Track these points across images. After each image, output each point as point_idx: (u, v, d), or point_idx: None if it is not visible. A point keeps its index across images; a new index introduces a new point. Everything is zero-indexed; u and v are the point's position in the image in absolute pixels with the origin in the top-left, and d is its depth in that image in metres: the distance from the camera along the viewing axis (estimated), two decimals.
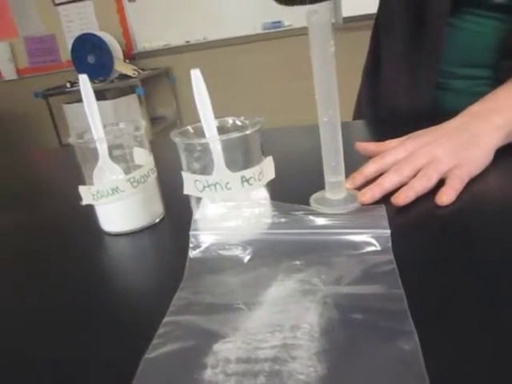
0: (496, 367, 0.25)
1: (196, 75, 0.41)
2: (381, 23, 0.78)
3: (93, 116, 0.48)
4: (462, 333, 0.27)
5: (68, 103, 2.92)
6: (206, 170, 0.40)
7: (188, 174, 0.39)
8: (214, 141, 0.39)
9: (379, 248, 0.36)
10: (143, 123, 0.47)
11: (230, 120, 0.43)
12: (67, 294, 0.39)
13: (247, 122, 0.42)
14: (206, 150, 0.39)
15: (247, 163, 0.40)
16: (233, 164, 0.39)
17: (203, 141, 0.39)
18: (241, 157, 0.40)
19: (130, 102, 2.84)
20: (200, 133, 0.40)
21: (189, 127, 0.42)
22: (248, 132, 0.38)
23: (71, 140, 0.46)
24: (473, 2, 0.63)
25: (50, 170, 0.87)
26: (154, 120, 3.09)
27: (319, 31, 0.39)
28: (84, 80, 0.48)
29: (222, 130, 0.41)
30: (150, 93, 3.10)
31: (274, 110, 2.83)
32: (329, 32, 0.39)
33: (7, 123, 3.41)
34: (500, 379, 0.24)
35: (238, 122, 0.43)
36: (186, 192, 0.40)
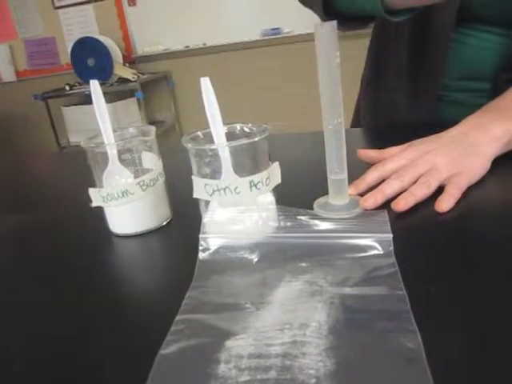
0: (497, 366, 0.26)
1: (205, 83, 0.43)
2: (386, 33, 0.79)
3: (103, 120, 0.49)
4: (462, 332, 0.29)
5: (67, 106, 2.94)
6: (214, 174, 0.41)
7: (198, 179, 0.41)
8: (223, 147, 0.41)
9: (382, 251, 0.37)
10: (153, 128, 0.49)
11: (237, 126, 0.44)
12: (77, 294, 0.40)
13: (254, 128, 0.44)
14: (216, 155, 0.40)
15: (255, 169, 0.41)
16: (241, 169, 0.41)
17: (214, 147, 0.40)
18: (249, 162, 0.41)
19: (129, 106, 2.86)
20: (209, 138, 0.42)
21: (199, 133, 0.43)
22: (256, 139, 0.40)
23: (82, 143, 0.47)
24: (475, 17, 0.65)
25: (56, 172, 0.88)
26: (152, 124, 3.06)
27: (326, 42, 0.41)
28: (95, 85, 0.50)
29: (230, 136, 0.42)
30: (149, 97, 3.11)
31: (272, 116, 2.86)
32: (335, 43, 0.41)
33: (6, 125, 3.42)
34: (501, 378, 0.25)
35: (246, 129, 0.44)
36: (195, 196, 0.42)
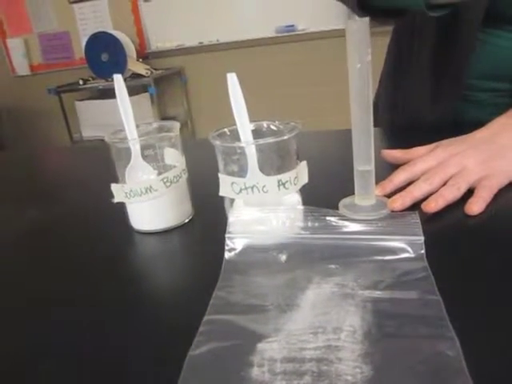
0: None
1: (232, 79, 0.42)
2: (409, 28, 0.78)
3: (126, 115, 0.48)
4: (503, 339, 0.28)
5: (80, 100, 2.95)
6: (241, 172, 0.40)
7: (225, 176, 0.40)
8: (250, 145, 0.40)
9: (413, 255, 0.36)
10: (177, 124, 0.48)
11: (264, 124, 0.44)
12: (97, 292, 0.39)
13: (281, 126, 0.43)
14: (244, 153, 0.39)
15: (282, 167, 0.40)
16: (268, 167, 0.40)
17: (243, 144, 0.39)
18: (276, 161, 0.40)
19: (142, 101, 2.86)
20: (236, 135, 0.41)
21: (225, 129, 0.42)
22: (286, 137, 0.39)
23: (106, 138, 0.47)
24: (502, 17, 0.63)
25: (72, 166, 0.88)
26: (164, 120, 3.10)
27: (358, 39, 0.40)
28: (118, 80, 0.50)
29: (257, 133, 0.42)
30: (162, 92, 3.11)
31: (285, 114, 2.84)
32: (367, 40, 0.40)
33: (20, 118, 3.44)
34: None
35: (273, 127, 0.43)
36: (221, 194, 0.41)
